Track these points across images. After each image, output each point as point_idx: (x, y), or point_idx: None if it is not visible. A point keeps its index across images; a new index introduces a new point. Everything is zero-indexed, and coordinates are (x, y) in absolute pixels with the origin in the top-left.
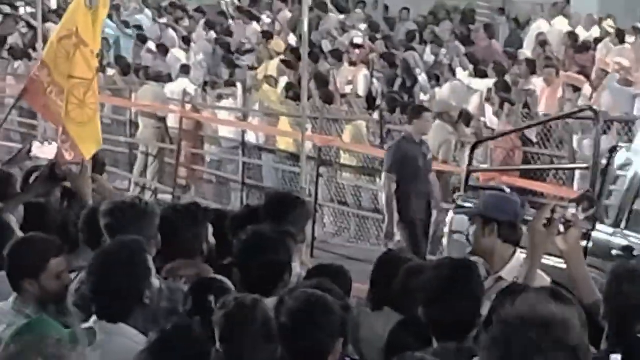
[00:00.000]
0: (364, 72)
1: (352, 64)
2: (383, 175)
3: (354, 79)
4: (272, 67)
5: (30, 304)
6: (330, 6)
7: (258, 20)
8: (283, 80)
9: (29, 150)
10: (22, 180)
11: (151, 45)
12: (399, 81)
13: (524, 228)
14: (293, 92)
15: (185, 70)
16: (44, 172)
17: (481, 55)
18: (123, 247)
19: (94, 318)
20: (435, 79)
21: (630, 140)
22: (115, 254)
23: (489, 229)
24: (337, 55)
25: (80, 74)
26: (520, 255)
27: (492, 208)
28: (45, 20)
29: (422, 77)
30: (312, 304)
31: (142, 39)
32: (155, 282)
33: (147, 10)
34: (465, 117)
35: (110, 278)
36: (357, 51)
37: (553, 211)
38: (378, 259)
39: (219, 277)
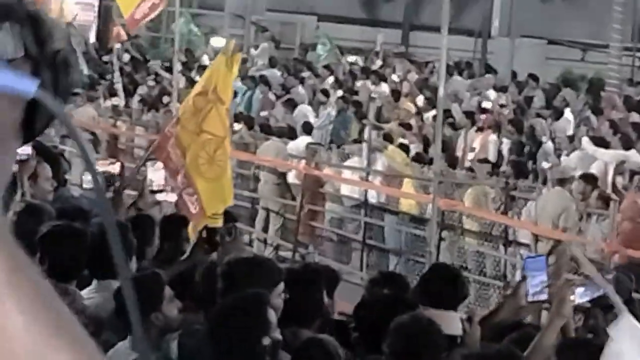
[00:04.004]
0: (492, 137)
1: (480, 129)
2: None
3: (482, 144)
4: (397, 128)
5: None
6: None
7: (385, 80)
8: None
9: (137, 171)
10: (161, 226)
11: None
12: (526, 148)
13: None
14: (418, 155)
15: (307, 129)
16: (202, 244)
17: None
18: (241, 301)
19: None
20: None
21: None
22: (233, 307)
23: (612, 314)
24: (470, 117)
25: (213, 129)
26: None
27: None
28: (171, 71)
29: (548, 145)
30: None
31: (275, 95)
32: (277, 335)
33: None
34: (590, 181)
35: (224, 330)
36: (483, 116)
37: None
38: None
39: (327, 337)
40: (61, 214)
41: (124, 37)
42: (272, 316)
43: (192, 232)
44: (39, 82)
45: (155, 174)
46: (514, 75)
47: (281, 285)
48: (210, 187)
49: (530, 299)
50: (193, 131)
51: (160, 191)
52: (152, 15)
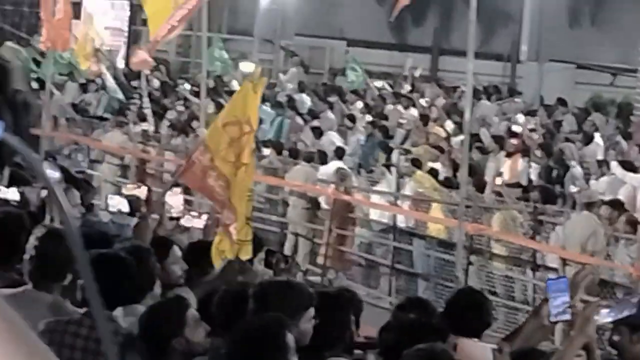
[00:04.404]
0: (520, 161)
1: (509, 154)
2: None
3: (512, 168)
4: (425, 151)
5: None
6: (483, 95)
7: (414, 105)
8: (435, 167)
9: (164, 196)
10: (187, 252)
11: (314, 123)
12: (554, 172)
13: None
14: (446, 180)
15: (339, 153)
16: (234, 264)
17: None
18: (261, 324)
19: None
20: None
21: None
22: (252, 330)
23: (637, 335)
24: (499, 142)
25: (248, 160)
26: None
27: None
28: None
29: (577, 169)
30: None
31: (304, 119)
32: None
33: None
34: (617, 207)
35: (243, 353)
36: (513, 140)
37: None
38: None
39: None
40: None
41: (151, 63)
42: (291, 341)
43: (215, 254)
44: (3, 125)
45: (174, 200)
46: (541, 99)
47: (312, 310)
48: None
49: (552, 319)
50: (234, 164)
51: (179, 218)
52: (168, 38)
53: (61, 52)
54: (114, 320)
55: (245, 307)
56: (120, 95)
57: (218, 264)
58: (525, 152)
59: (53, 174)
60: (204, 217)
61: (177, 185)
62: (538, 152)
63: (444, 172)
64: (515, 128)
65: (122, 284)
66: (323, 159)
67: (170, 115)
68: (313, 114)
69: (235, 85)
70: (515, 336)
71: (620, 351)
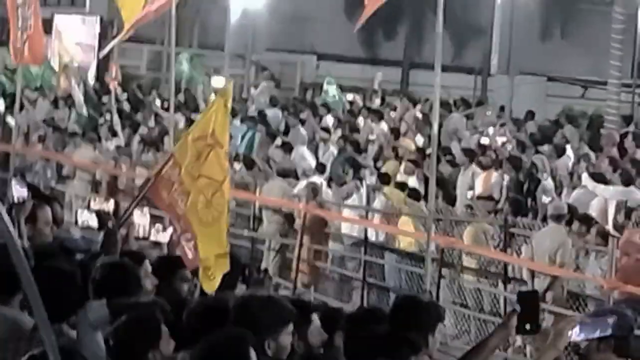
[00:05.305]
0: (494, 174)
1: (481, 166)
2: None
3: (485, 182)
4: (396, 166)
5: None
6: (453, 107)
7: (384, 118)
8: (411, 180)
9: (131, 211)
10: (156, 267)
11: (279, 141)
12: (525, 185)
13: None
14: (414, 192)
15: (319, 169)
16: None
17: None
18: (223, 339)
19: None
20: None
21: None
22: (215, 346)
23: (605, 344)
24: (469, 155)
25: (212, 174)
26: None
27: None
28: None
29: (548, 182)
30: None
31: (272, 136)
32: None
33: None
34: (586, 222)
35: None
36: (489, 152)
37: None
38: None
39: None
40: (38, 254)
41: (119, 78)
42: (253, 356)
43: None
44: None
45: (142, 219)
46: (511, 112)
47: (291, 326)
48: (207, 231)
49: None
50: (193, 176)
51: (145, 238)
52: (122, 38)
53: (32, 66)
54: (62, 333)
55: (223, 321)
56: (85, 112)
57: (211, 287)
58: (498, 165)
59: (21, 191)
60: (169, 230)
61: (143, 199)
62: (508, 165)
63: (420, 186)
64: (484, 141)
65: (66, 297)
66: (291, 174)
67: (142, 130)
68: (283, 130)
69: (212, 99)
70: (482, 348)
71: (584, 358)
